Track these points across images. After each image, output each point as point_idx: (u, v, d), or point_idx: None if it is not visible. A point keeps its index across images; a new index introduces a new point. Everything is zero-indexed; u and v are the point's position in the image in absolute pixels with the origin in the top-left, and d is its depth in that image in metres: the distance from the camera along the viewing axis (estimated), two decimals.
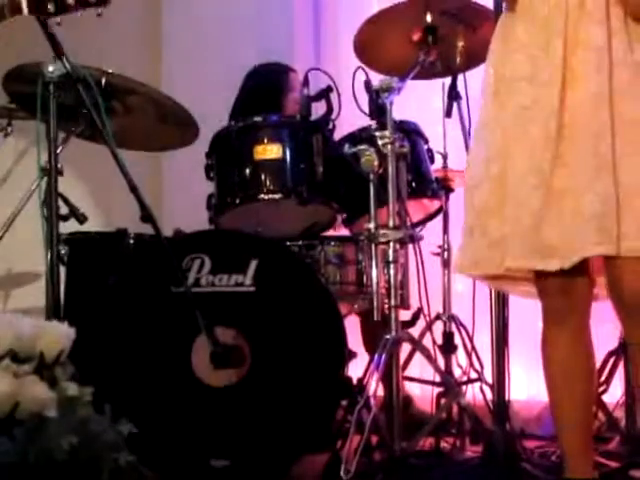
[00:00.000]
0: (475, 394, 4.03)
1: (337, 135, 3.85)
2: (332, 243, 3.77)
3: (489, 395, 3.86)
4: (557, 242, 2.51)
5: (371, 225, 3.53)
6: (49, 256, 3.12)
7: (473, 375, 4.09)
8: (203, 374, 3.35)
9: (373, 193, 3.54)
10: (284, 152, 3.69)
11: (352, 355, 3.53)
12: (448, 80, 4.04)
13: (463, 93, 3.99)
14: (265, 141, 3.70)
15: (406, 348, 3.86)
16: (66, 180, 3.30)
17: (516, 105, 2.60)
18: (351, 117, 3.91)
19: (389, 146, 3.51)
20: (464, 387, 4.03)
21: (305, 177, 3.67)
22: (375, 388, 3.36)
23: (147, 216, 3.07)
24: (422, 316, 3.96)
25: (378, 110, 3.60)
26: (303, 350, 3.33)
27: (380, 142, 3.51)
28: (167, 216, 4.81)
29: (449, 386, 3.74)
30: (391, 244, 3.51)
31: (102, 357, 3.36)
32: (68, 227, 3.54)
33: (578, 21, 2.55)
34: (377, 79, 3.72)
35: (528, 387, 4.78)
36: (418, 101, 4.78)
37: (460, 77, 4.01)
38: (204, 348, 3.22)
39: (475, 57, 3.89)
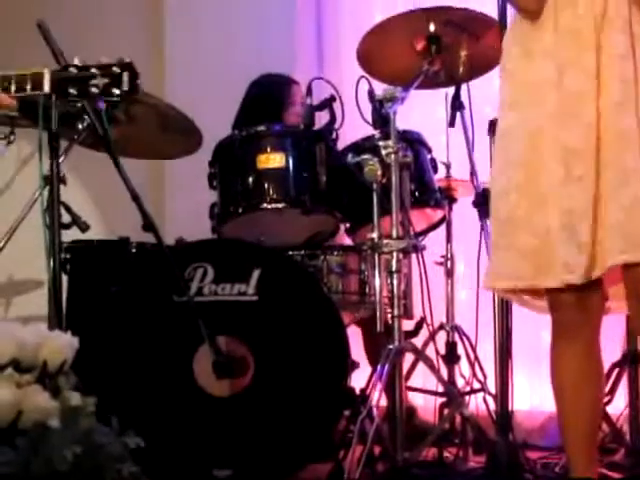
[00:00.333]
0: (478, 404, 4.03)
1: (340, 144, 3.85)
2: (335, 252, 3.77)
3: (492, 405, 3.86)
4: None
5: (374, 235, 3.52)
6: (51, 264, 3.11)
7: (476, 385, 4.08)
8: (205, 383, 3.35)
9: (376, 203, 3.54)
10: (287, 161, 3.69)
11: (355, 365, 3.52)
12: (451, 90, 4.04)
13: (466, 103, 3.99)
14: (268, 150, 3.71)
15: (409, 358, 3.86)
16: (68, 188, 3.28)
17: (543, 112, 2.58)
18: (354, 126, 3.91)
19: (392, 156, 3.51)
20: (467, 397, 4.02)
21: (308, 186, 3.68)
22: (378, 398, 3.36)
23: (149, 225, 3.07)
24: (425, 326, 3.96)
25: (381, 120, 3.60)
26: (306, 360, 3.33)
27: (383, 152, 3.52)
28: (169, 225, 4.81)
29: (452, 396, 3.73)
30: (394, 254, 3.50)
31: (104, 366, 3.36)
32: (70, 235, 3.54)
33: (601, 29, 2.54)
34: (380, 88, 3.72)
35: (531, 397, 4.77)
36: (421, 111, 4.78)
37: (463, 87, 4.01)
38: (206, 357, 3.21)
39: (478, 67, 3.91)
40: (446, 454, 3.78)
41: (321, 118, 3.89)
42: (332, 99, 3.75)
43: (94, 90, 2.64)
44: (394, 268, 3.50)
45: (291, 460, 3.30)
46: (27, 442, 1.88)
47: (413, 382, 4.15)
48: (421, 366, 3.95)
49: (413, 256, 3.77)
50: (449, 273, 4.27)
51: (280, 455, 3.29)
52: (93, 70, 2.65)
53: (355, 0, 5.65)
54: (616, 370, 3.85)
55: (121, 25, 5.66)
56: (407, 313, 3.67)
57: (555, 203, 2.54)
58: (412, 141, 3.85)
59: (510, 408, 3.44)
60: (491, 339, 3.61)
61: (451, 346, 4.21)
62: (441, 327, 4.22)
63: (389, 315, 3.55)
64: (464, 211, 4.23)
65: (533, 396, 4.81)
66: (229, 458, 3.31)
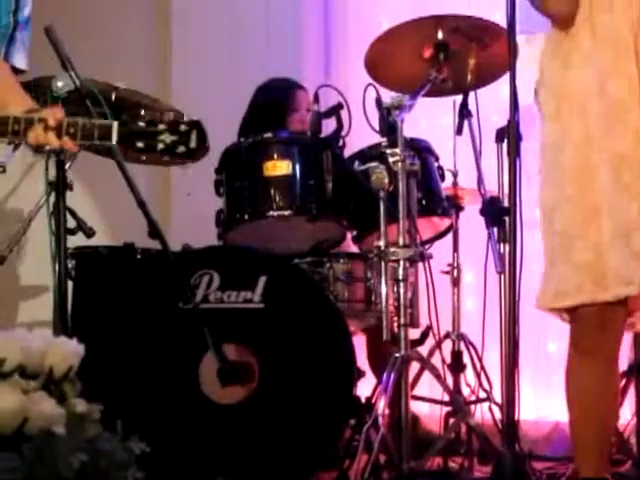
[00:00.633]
0: (483, 414, 4.02)
1: (347, 152, 3.85)
2: (341, 260, 3.76)
3: (497, 415, 3.86)
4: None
5: (381, 243, 3.53)
6: (57, 270, 3.10)
7: (481, 395, 4.07)
8: (211, 391, 3.35)
9: (383, 210, 3.54)
10: (294, 168, 3.69)
11: (361, 374, 3.52)
12: (459, 97, 4.04)
13: (474, 111, 3.98)
14: (275, 157, 3.71)
15: (414, 366, 3.85)
16: (73, 194, 3.29)
17: (586, 122, 2.58)
18: (361, 134, 3.91)
19: (400, 164, 3.52)
20: (472, 406, 4.02)
21: (314, 194, 3.68)
22: (384, 407, 3.35)
23: (155, 232, 3.06)
24: (431, 334, 3.95)
25: (389, 127, 3.60)
26: (312, 368, 3.33)
27: (391, 159, 3.52)
28: (175, 231, 4.80)
29: (458, 406, 3.72)
30: (401, 262, 3.50)
31: (109, 373, 3.35)
32: (75, 241, 3.54)
33: (638, 33, 2.54)
34: (387, 96, 3.72)
35: (537, 407, 4.77)
36: (428, 118, 4.78)
37: (471, 94, 4.00)
38: (212, 365, 3.19)
39: (486, 75, 3.91)
40: (451, 464, 3.78)
41: (328, 125, 3.89)
42: (339, 106, 3.74)
43: (160, 146, 2.64)
44: (401, 276, 3.51)
45: (296, 469, 3.30)
46: (32, 449, 1.88)
47: (418, 391, 4.15)
48: (426, 375, 3.94)
49: (419, 264, 3.77)
50: (455, 282, 4.27)
51: (285, 464, 3.29)
52: (162, 126, 2.64)
53: (362, 7, 5.66)
54: (623, 380, 3.85)
55: (127, 31, 5.66)
56: (413, 322, 3.67)
57: (607, 212, 2.54)
58: (419, 149, 3.85)
59: (516, 418, 3.43)
60: (497, 348, 3.60)
61: (457, 355, 4.21)
62: (447, 336, 4.22)
63: (395, 323, 3.55)
64: (471, 219, 4.23)
65: (539, 406, 4.81)
66: (234, 466, 3.31)
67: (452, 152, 4.27)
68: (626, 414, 3.91)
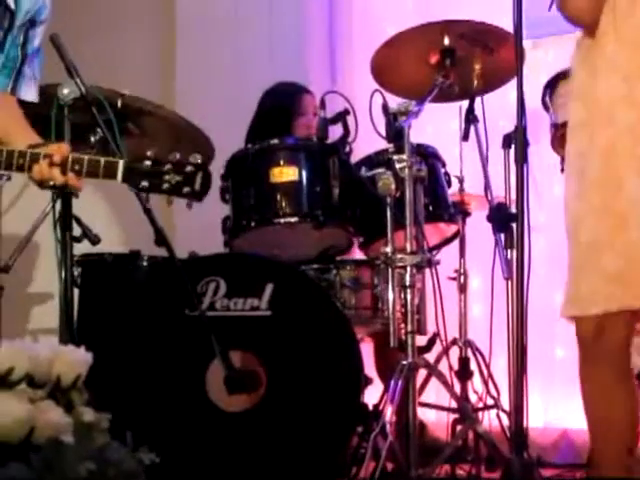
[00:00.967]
0: (491, 421, 4.01)
1: (353, 158, 3.85)
2: (348, 267, 3.76)
3: (505, 422, 3.85)
4: None
5: (388, 249, 3.52)
6: (63, 278, 3.10)
7: (489, 401, 4.07)
8: (218, 399, 3.34)
9: (390, 217, 3.53)
10: (300, 175, 3.69)
11: (368, 381, 3.51)
12: (465, 103, 4.04)
13: (480, 116, 3.98)
14: (281, 163, 3.70)
15: (421, 373, 3.84)
16: (78, 201, 3.29)
17: (615, 130, 2.56)
18: (367, 140, 3.91)
19: (407, 170, 3.51)
20: (480, 414, 4.01)
21: (321, 200, 3.67)
22: (391, 415, 3.34)
23: (161, 239, 3.06)
24: (438, 341, 3.95)
25: (395, 133, 3.60)
26: (319, 376, 3.33)
27: (397, 165, 3.51)
28: (180, 239, 4.80)
29: (466, 413, 3.71)
30: (408, 268, 3.50)
31: (115, 381, 3.35)
32: (81, 248, 3.54)
33: None
34: (392, 101, 3.72)
35: (545, 414, 4.76)
36: (434, 124, 4.78)
37: (477, 100, 4.00)
38: (219, 373, 3.19)
39: (493, 80, 3.91)
40: (459, 471, 3.77)
41: (334, 131, 3.88)
42: (346, 112, 3.74)
43: (166, 186, 2.64)
44: (408, 283, 3.49)
45: (303, 477, 3.29)
46: (40, 458, 1.88)
47: (425, 397, 4.14)
48: (433, 382, 3.93)
49: (426, 271, 3.77)
50: (462, 288, 4.27)
51: (292, 472, 3.28)
52: (167, 166, 2.65)
53: (366, 13, 5.66)
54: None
55: (132, 38, 5.67)
56: (420, 328, 3.66)
57: (636, 221, 2.53)
58: (426, 155, 3.85)
59: (525, 425, 3.42)
60: (504, 354, 3.60)
61: (464, 362, 4.20)
62: (454, 342, 4.21)
63: (402, 330, 3.54)
64: (478, 225, 4.22)
65: (547, 413, 4.80)
66: (241, 474, 3.30)
67: (458, 158, 4.27)
68: None
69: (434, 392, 4.24)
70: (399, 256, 3.51)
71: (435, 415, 4.48)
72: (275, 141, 3.77)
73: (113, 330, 3.52)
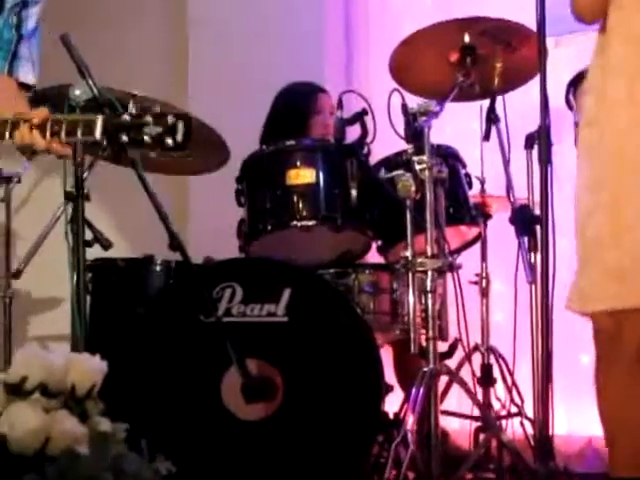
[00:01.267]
0: (514, 429, 4.00)
1: (372, 159, 3.84)
2: (366, 271, 3.75)
3: (529, 430, 3.83)
4: None
5: (408, 253, 3.51)
6: (75, 284, 3.10)
7: (513, 409, 4.05)
8: (234, 407, 3.34)
9: (410, 220, 3.52)
10: (317, 177, 3.68)
11: (388, 389, 3.50)
12: (486, 102, 4.02)
13: (502, 116, 3.97)
14: (298, 165, 3.70)
15: (442, 380, 3.83)
16: (90, 204, 3.29)
17: (615, 129, 2.58)
18: (384, 141, 3.90)
19: (427, 171, 3.50)
20: (503, 422, 3.99)
21: (339, 203, 3.67)
22: (413, 423, 3.33)
23: (176, 244, 3.06)
24: (460, 347, 3.93)
25: (414, 134, 3.59)
26: (338, 383, 3.32)
27: (417, 167, 3.50)
28: (194, 243, 4.81)
29: (489, 421, 3.70)
30: (429, 273, 3.48)
31: (128, 390, 3.35)
32: (92, 253, 3.53)
33: None
34: (410, 101, 3.71)
35: (568, 422, 4.74)
36: (454, 124, 4.77)
37: (499, 99, 3.99)
38: (235, 381, 3.19)
39: (515, 79, 3.90)
40: None
41: (351, 132, 3.88)
42: (364, 112, 3.73)
43: (147, 139, 2.64)
44: (429, 288, 3.48)
45: None
46: (56, 470, 1.88)
47: (446, 405, 4.13)
48: (454, 389, 3.92)
49: (447, 275, 3.76)
50: (484, 292, 4.25)
51: None
52: (147, 118, 2.64)
53: (384, 10, 5.65)
54: None
55: (143, 36, 5.68)
56: (442, 334, 3.65)
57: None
58: (446, 156, 3.84)
59: (551, 434, 3.41)
60: (527, 361, 3.58)
61: (486, 368, 4.18)
62: (476, 348, 4.20)
63: (422, 336, 3.53)
64: (499, 228, 4.21)
65: (570, 420, 4.77)
66: None
67: (479, 159, 4.25)
68: None
69: (456, 400, 4.22)
70: (419, 260, 3.50)
71: (457, 423, 4.46)
72: (291, 142, 3.78)
73: (126, 337, 3.51)
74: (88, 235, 3.36)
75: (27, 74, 3.06)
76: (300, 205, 3.67)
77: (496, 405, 4.13)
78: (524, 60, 3.72)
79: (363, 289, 3.71)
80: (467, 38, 3.78)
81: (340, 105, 3.78)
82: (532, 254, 3.39)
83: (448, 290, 3.83)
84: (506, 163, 3.89)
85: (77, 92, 3.08)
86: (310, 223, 3.66)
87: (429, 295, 3.48)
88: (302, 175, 3.68)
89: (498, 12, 4.01)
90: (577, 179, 2.75)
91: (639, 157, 2.54)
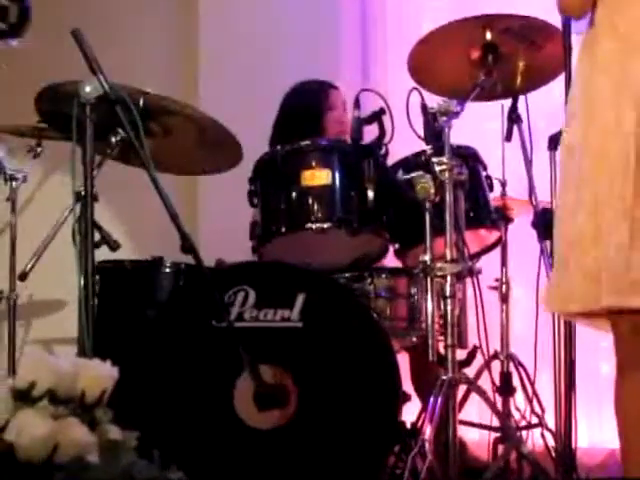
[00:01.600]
0: (534, 440, 3.98)
1: (389, 160, 3.82)
2: (383, 275, 3.74)
3: (550, 441, 3.82)
4: None
5: (426, 257, 3.49)
6: (82, 287, 3.09)
7: (533, 419, 4.03)
8: (246, 415, 3.33)
9: (428, 223, 3.51)
10: (333, 178, 3.66)
11: (406, 397, 3.49)
12: (507, 102, 4.01)
13: (524, 116, 3.95)
14: (313, 166, 3.68)
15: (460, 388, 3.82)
16: (97, 204, 3.29)
17: (599, 128, 2.57)
18: (401, 141, 3.88)
19: (447, 173, 3.49)
20: (523, 432, 3.98)
21: (355, 205, 3.65)
22: (431, 434, 3.32)
23: (188, 246, 3.04)
24: (479, 355, 3.92)
25: (434, 134, 3.58)
26: (353, 391, 3.30)
27: (437, 168, 3.49)
28: (205, 245, 4.80)
29: (509, 432, 3.68)
30: (448, 278, 3.47)
31: (137, 397, 3.33)
32: (99, 254, 3.53)
33: None
34: (430, 100, 3.70)
35: (589, 433, 4.73)
36: (474, 124, 4.75)
37: (521, 98, 3.97)
38: (247, 388, 3.18)
39: (538, 78, 3.88)
40: None
41: (368, 132, 3.86)
42: (381, 112, 3.71)
43: None
44: (448, 293, 3.47)
45: None
46: (64, 479, 1.87)
47: (464, 415, 4.11)
48: (472, 398, 3.91)
49: (466, 280, 3.74)
50: (504, 298, 4.24)
51: None
52: None
53: (402, 8, 5.64)
54: None
55: (154, 33, 5.68)
56: (461, 341, 3.64)
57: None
58: (467, 157, 3.82)
59: (574, 445, 3.39)
60: (548, 369, 3.57)
61: (506, 377, 4.17)
62: (495, 356, 4.18)
63: (440, 343, 3.52)
64: (520, 232, 4.20)
65: (591, 432, 4.76)
66: None
67: (500, 160, 4.24)
68: None
69: (474, 409, 4.21)
70: (438, 265, 3.49)
71: (476, 433, 4.44)
72: (307, 142, 3.76)
73: (134, 342, 3.51)
74: (95, 236, 3.36)
75: None
76: (315, 207, 3.66)
77: (516, 415, 4.12)
78: (548, 58, 3.70)
79: (379, 294, 3.70)
80: (489, 35, 3.77)
81: (357, 104, 3.76)
82: None
83: (467, 296, 3.81)
84: (528, 165, 3.89)
85: (87, 89, 3.09)
86: (325, 225, 3.65)
87: (448, 301, 3.47)
88: (317, 176, 3.66)
89: (521, 9, 4.00)
90: (561, 177, 2.75)
91: (623, 158, 2.52)
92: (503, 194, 4.24)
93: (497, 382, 4.12)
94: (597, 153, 2.57)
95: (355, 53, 5.77)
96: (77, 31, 3.02)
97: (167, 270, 3.83)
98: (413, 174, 3.57)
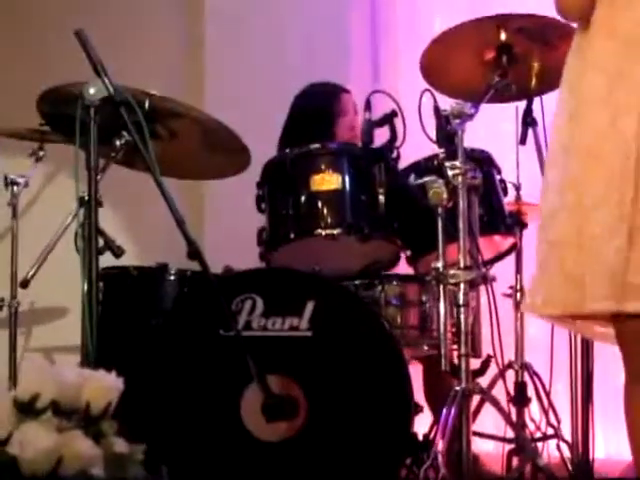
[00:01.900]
0: (550, 452, 3.97)
1: (401, 164, 3.82)
2: (394, 282, 3.74)
3: (566, 453, 3.81)
4: None
5: (439, 264, 3.49)
6: (86, 294, 3.09)
7: (549, 430, 4.03)
8: (254, 427, 3.32)
9: (441, 229, 3.50)
10: (343, 183, 3.67)
11: (418, 409, 3.48)
12: (522, 104, 4.01)
13: (539, 119, 3.95)
14: (323, 170, 3.69)
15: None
16: (101, 210, 3.29)
17: (591, 128, 2.56)
18: (413, 144, 3.88)
19: (460, 177, 3.48)
20: (538, 444, 3.97)
21: (366, 210, 3.66)
22: (443, 445, 3.31)
23: (194, 252, 3.04)
24: (491, 364, 3.91)
25: (447, 137, 3.57)
26: (364, 402, 3.30)
27: (450, 173, 3.48)
28: (211, 251, 4.79)
29: (524, 444, 3.68)
30: (462, 285, 3.46)
31: (141, 408, 3.33)
32: (103, 261, 3.52)
33: None
34: (442, 102, 3.69)
35: (607, 444, 4.72)
36: (488, 126, 4.75)
37: (536, 100, 3.97)
38: (255, 398, 3.17)
39: (554, 79, 3.84)
40: None
41: (378, 135, 3.85)
42: (393, 114, 3.71)
43: None
44: (461, 301, 3.46)
45: None
46: None
47: (477, 426, 4.10)
48: (486, 408, 3.90)
49: (480, 287, 3.74)
50: (518, 306, 4.23)
51: None
52: None
53: (413, 7, 5.64)
54: None
55: (159, 34, 5.68)
56: (474, 350, 3.63)
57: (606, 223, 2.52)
58: (480, 161, 3.82)
59: (591, 458, 3.39)
60: (564, 379, 3.56)
61: (520, 387, 4.16)
62: (509, 365, 4.17)
63: (454, 352, 3.51)
64: (534, 238, 4.18)
65: (608, 443, 4.75)
66: None
67: (515, 164, 4.23)
68: None
69: (488, 420, 4.19)
70: (451, 272, 3.48)
71: (489, 445, 4.43)
72: (316, 146, 3.76)
73: (138, 350, 3.50)
74: (99, 242, 3.36)
75: None
76: (325, 212, 3.66)
77: (531, 426, 4.11)
78: (563, 59, 3.68)
79: (390, 302, 3.70)
80: (503, 36, 3.77)
81: (368, 106, 3.76)
82: None
83: (481, 303, 3.80)
84: (543, 168, 3.87)
85: (92, 91, 3.08)
86: (335, 231, 3.65)
87: (461, 309, 3.46)
88: (327, 181, 3.66)
89: (536, 8, 3.99)
90: (546, 177, 2.75)
91: (616, 160, 2.51)
92: (517, 198, 4.24)
93: (512, 392, 4.11)
94: (587, 153, 2.56)
95: (365, 53, 5.78)
96: (81, 32, 3.02)
97: (172, 277, 3.83)
98: (425, 179, 3.56)
